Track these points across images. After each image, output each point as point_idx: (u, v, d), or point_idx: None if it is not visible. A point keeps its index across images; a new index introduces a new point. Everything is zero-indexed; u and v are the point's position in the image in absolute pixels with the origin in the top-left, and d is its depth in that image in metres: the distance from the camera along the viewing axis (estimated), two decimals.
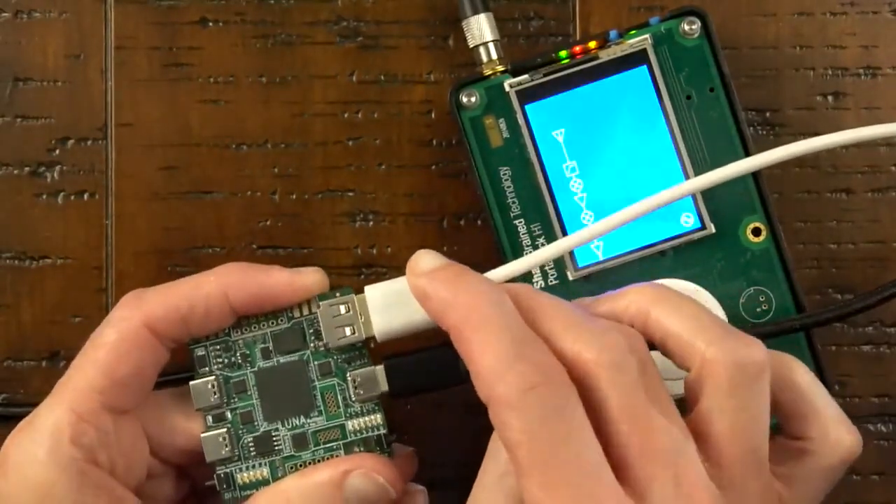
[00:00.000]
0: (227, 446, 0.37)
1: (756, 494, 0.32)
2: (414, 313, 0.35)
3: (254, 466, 0.37)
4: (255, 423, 0.37)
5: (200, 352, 0.37)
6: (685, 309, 0.33)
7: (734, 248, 0.40)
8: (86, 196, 0.43)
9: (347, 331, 0.37)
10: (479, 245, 0.42)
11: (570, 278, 0.40)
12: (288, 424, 0.37)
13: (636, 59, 0.40)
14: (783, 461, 0.34)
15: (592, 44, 0.40)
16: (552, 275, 0.40)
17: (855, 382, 0.42)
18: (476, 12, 0.40)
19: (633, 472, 0.30)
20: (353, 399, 0.37)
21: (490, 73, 0.40)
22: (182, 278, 0.37)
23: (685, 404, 0.33)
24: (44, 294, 0.43)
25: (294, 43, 0.43)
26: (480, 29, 0.40)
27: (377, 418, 0.37)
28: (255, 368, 0.37)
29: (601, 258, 0.40)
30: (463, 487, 0.34)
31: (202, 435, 0.37)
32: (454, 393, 0.37)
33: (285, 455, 0.37)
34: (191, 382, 0.37)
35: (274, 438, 0.37)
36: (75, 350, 0.36)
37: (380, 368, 0.37)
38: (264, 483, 0.37)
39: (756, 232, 0.40)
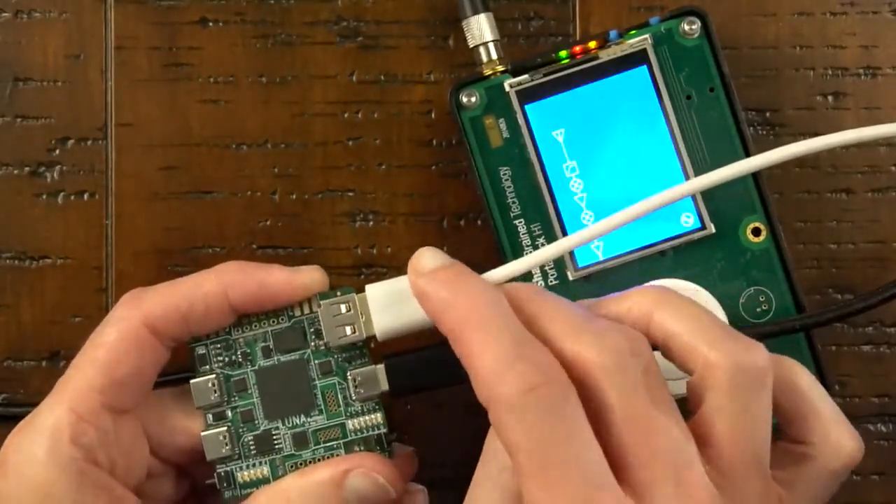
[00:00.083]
0: (227, 445, 0.37)
1: (756, 497, 0.32)
2: (415, 312, 0.35)
3: (254, 465, 0.37)
4: (256, 422, 0.37)
5: (201, 350, 0.37)
6: (687, 312, 0.33)
7: (734, 248, 0.40)
8: (86, 196, 0.43)
9: (348, 330, 0.37)
10: (479, 245, 0.42)
11: (570, 278, 0.40)
12: (288, 423, 0.37)
13: (636, 59, 0.40)
14: (784, 465, 0.34)
15: (592, 44, 0.40)
16: (552, 275, 0.40)
17: (855, 382, 0.42)
18: (476, 12, 0.40)
19: (634, 473, 0.30)
20: (354, 398, 0.37)
21: (490, 73, 0.40)
22: (181, 277, 0.37)
23: (687, 405, 0.33)
24: (44, 294, 0.43)
25: (294, 43, 0.43)
26: (480, 29, 0.40)
27: (377, 417, 0.37)
28: (256, 367, 0.37)
29: (601, 258, 0.40)
30: (463, 487, 0.34)
31: (202, 433, 0.37)
32: (454, 393, 0.37)
33: (285, 454, 0.37)
34: (191, 381, 0.37)
35: (274, 437, 0.37)
36: (75, 350, 0.36)
37: (380, 367, 0.37)
38: (264, 482, 0.37)
39: (756, 232, 0.40)
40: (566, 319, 0.32)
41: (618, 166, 0.40)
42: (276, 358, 0.37)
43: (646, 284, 0.38)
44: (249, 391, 0.37)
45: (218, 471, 0.37)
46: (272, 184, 0.43)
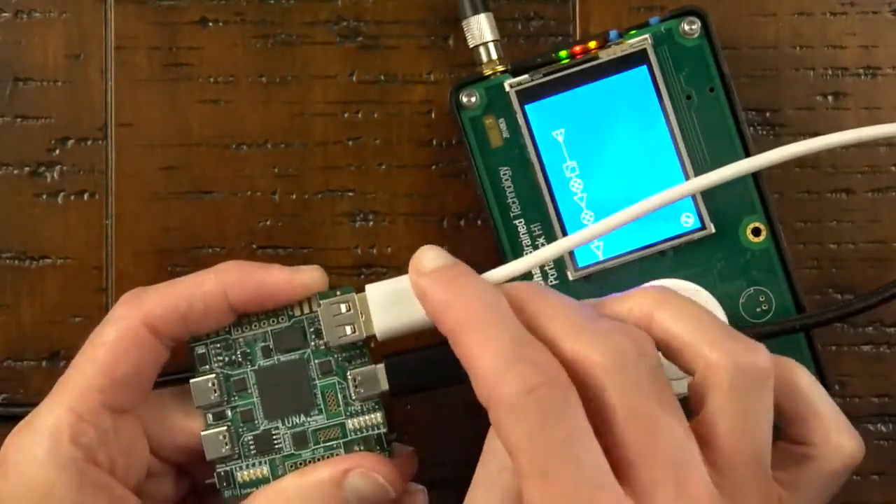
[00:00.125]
0: (227, 444, 0.37)
1: (757, 498, 0.32)
2: (415, 312, 0.35)
3: (254, 465, 0.37)
4: (256, 422, 0.37)
5: (201, 350, 0.37)
6: (689, 312, 0.33)
7: (734, 248, 0.40)
8: (86, 196, 0.43)
9: (348, 329, 0.37)
10: (479, 245, 0.42)
11: (571, 278, 0.40)
12: (288, 423, 0.37)
13: (636, 59, 0.40)
14: (785, 466, 0.34)
15: (592, 44, 0.40)
16: (552, 275, 0.40)
17: (855, 382, 0.42)
18: (476, 12, 0.40)
19: (635, 473, 0.30)
20: (354, 398, 0.37)
21: (490, 73, 0.40)
22: (181, 277, 0.37)
23: (689, 405, 0.33)
24: (44, 294, 0.43)
25: (294, 43, 0.43)
26: (480, 29, 0.40)
27: (377, 417, 0.37)
28: (256, 367, 0.37)
29: (601, 258, 0.40)
30: (463, 487, 0.34)
31: (202, 433, 0.37)
32: (454, 393, 0.37)
33: (285, 453, 0.37)
34: (191, 380, 0.37)
35: (274, 437, 0.37)
36: (75, 350, 0.36)
37: (380, 367, 0.37)
38: (264, 481, 0.37)
39: (756, 232, 0.40)
40: (567, 319, 0.32)
41: (618, 166, 0.40)
42: (275, 357, 0.37)
43: (646, 284, 0.38)
44: (249, 391, 0.37)
45: (218, 470, 0.37)
46: (272, 184, 0.43)
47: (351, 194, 0.43)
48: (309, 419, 0.37)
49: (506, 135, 0.40)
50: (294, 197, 0.43)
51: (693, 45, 0.40)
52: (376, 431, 0.37)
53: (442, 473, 0.40)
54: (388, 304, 0.36)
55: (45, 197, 0.43)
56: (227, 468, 0.37)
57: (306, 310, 0.37)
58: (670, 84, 0.40)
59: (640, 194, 0.38)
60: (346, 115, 0.43)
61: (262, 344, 0.37)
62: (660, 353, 0.33)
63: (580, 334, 0.32)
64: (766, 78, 0.43)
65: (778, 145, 0.37)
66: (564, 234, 0.40)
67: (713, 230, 0.40)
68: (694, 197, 0.39)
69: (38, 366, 0.43)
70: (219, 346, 0.37)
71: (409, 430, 0.41)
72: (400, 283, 0.36)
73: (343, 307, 0.37)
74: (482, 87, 0.40)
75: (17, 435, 0.35)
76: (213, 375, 0.37)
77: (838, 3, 0.43)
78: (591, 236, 0.36)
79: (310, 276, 0.37)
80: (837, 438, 0.34)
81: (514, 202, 0.40)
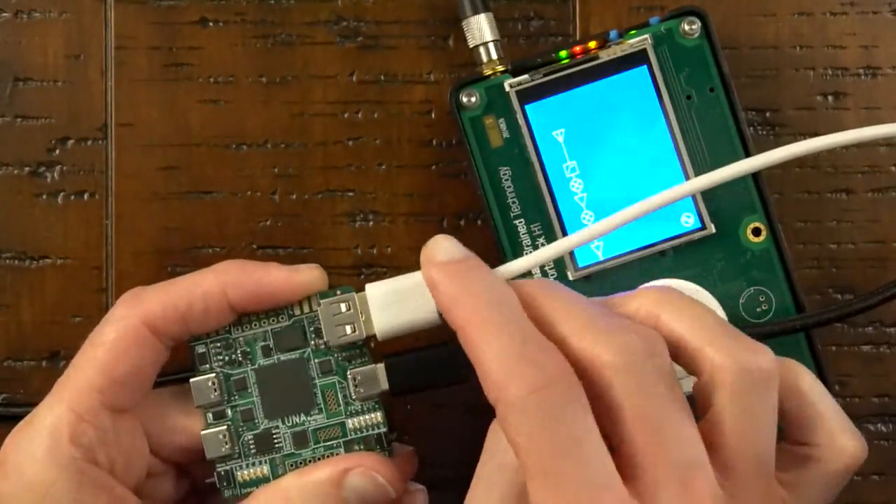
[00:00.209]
0: (227, 444, 0.37)
1: (760, 499, 0.32)
2: (415, 312, 0.35)
3: (254, 464, 0.37)
4: (256, 421, 0.37)
5: (201, 349, 0.37)
6: (694, 314, 0.33)
7: (734, 248, 0.40)
8: (86, 196, 0.43)
9: (348, 329, 0.37)
10: (479, 245, 0.41)
11: (571, 278, 0.40)
12: (288, 422, 0.37)
13: (636, 59, 0.40)
14: (787, 467, 0.34)
15: (592, 44, 0.40)
16: (552, 275, 0.40)
17: (855, 382, 0.42)
18: (476, 12, 0.40)
19: (641, 473, 0.30)
20: (354, 397, 0.37)
21: (490, 73, 0.40)
22: (180, 276, 0.37)
23: (695, 406, 0.33)
24: (44, 294, 0.43)
25: (294, 43, 0.43)
26: (480, 29, 0.40)
27: (377, 417, 0.37)
28: (256, 366, 0.37)
29: (601, 258, 0.40)
30: (463, 487, 0.34)
31: (202, 432, 0.37)
32: (454, 393, 0.37)
33: (285, 453, 0.37)
34: (191, 379, 0.37)
35: (274, 436, 0.37)
36: (75, 350, 0.36)
37: (380, 367, 0.37)
38: (264, 481, 0.37)
39: (756, 232, 0.40)
40: (577, 318, 0.32)
41: (618, 166, 0.40)
42: (275, 357, 0.37)
43: (650, 284, 0.38)
44: (249, 390, 0.37)
45: (218, 470, 0.37)
46: (272, 184, 0.43)
47: (351, 194, 0.43)
48: (309, 418, 0.37)
49: (506, 135, 0.40)
50: (294, 197, 0.43)
51: (693, 45, 0.40)
52: (376, 431, 0.37)
53: (442, 473, 0.40)
54: (388, 304, 0.36)
55: (45, 197, 0.43)
56: (227, 467, 0.37)
57: (306, 309, 0.37)
58: (670, 84, 0.40)
59: (640, 194, 0.38)
60: (346, 115, 0.43)
61: (262, 343, 0.37)
62: None
63: (590, 333, 0.31)
64: (766, 78, 0.43)
65: (778, 145, 0.37)
66: (564, 234, 0.40)
67: (713, 230, 0.40)
68: (694, 197, 0.39)
69: (38, 366, 0.43)
70: (219, 345, 0.37)
71: (409, 430, 0.41)
72: (400, 282, 0.36)
73: (343, 306, 0.37)
74: (482, 87, 0.40)
75: (17, 435, 0.35)
76: (213, 375, 0.37)
77: (838, 3, 0.43)
78: (591, 236, 0.36)
79: (309, 275, 0.37)
80: (840, 439, 0.34)
81: (514, 202, 0.40)
